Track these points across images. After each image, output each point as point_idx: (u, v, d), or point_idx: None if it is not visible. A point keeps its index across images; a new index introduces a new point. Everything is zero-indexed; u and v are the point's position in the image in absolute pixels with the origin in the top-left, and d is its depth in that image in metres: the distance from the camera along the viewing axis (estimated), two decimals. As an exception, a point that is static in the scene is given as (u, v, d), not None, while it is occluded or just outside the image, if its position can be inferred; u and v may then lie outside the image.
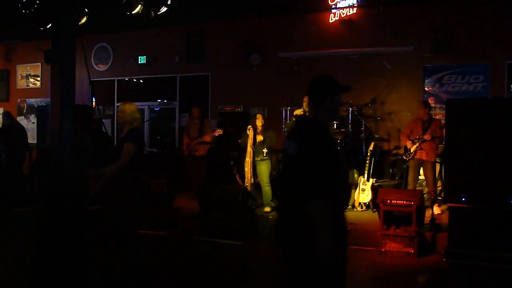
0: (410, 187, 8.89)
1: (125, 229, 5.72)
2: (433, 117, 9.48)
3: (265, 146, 9.24)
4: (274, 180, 9.49)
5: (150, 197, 8.22)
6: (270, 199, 9.23)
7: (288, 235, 3.42)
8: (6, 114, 11.83)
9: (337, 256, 3.35)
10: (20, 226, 8.64)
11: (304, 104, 8.71)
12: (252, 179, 9.34)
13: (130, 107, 5.96)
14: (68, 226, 4.86)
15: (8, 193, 10.51)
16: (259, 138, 9.24)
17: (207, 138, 10.27)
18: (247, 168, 9.30)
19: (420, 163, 8.89)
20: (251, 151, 9.23)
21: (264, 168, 9.31)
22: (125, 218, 5.72)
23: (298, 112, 8.70)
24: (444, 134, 8.69)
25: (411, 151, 8.86)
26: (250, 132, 9.26)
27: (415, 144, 8.83)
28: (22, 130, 11.85)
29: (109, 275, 5.77)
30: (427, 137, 8.71)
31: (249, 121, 9.67)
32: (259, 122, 9.32)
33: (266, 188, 9.29)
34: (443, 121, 9.18)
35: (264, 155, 9.27)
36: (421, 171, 9.09)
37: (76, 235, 4.93)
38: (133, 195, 5.71)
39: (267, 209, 9.09)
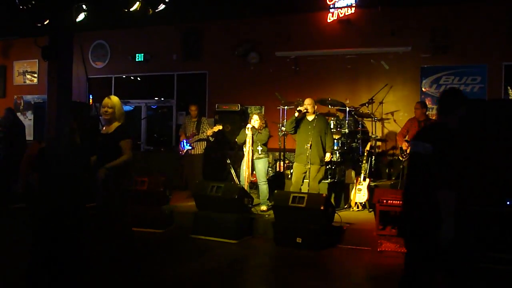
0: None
1: (116, 223, 5.77)
2: (430, 117, 9.49)
3: (258, 143, 9.22)
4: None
5: (133, 193, 8.29)
6: (267, 197, 9.22)
7: (415, 223, 4.07)
8: (10, 110, 11.82)
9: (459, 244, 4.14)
10: (18, 222, 8.62)
11: (309, 108, 8.73)
12: (250, 178, 9.31)
13: (119, 102, 5.95)
14: (66, 222, 4.85)
15: (7, 190, 10.52)
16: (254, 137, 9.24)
17: (209, 132, 10.24)
18: (246, 168, 9.27)
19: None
20: (250, 150, 9.20)
21: (261, 167, 9.28)
22: (115, 212, 5.77)
23: (303, 108, 8.67)
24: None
25: (407, 152, 8.87)
26: (249, 131, 9.21)
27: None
28: (22, 127, 11.84)
29: (104, 268, 5.79)
30: None
31: (246, 119, 9.62)
32: (257, 124, 9.26)
33: (263, 187, 9.28)
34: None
35: (259, 153, 9.25)
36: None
37: (74, 231, 4.92)
38: (120, 191, 5.77)
39: (263, 207, 9.08)
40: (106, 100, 5.90)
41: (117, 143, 5.75)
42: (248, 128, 9.18)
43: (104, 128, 5.97)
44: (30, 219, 6.60)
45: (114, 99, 5.93)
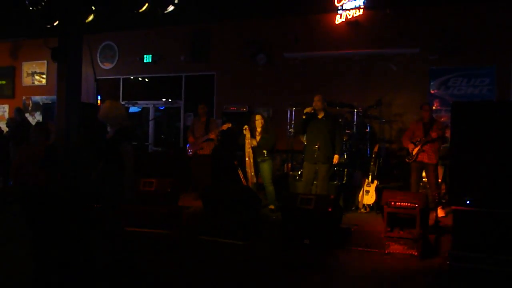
0: (412, 189, 8.87)
1: (114, 225, 5.80)
2: (435, 118, 9.45)
3: (264, 146, 9.25)
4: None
5: (136, 194, 8.31)
6: (274, 198, 9.22)
7: None
8: (18, 111, 11.87)
9: None
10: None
11: (318, 104, 8.67)
12: (255, 179, 9.33)
13: (112, 106, 5.94)
14: (69, 222, 4.88)
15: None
16: (254, 142, 9.23)
17: (212, 134, 10.27)
18: (248, 169, 9.29)
19: (422, 165, 8.87)
20: (250, 151, 9.22)
21: (266, 168, 9.30)
22: (113, 214, 5.80)
23: (308, 109, 8.61)
24: (446, 134, 8.70)
25: (413, 154, 8.84)
26: (246, 132, 9.23)
27: (417, 146, 8.80)
28: (31, 127, 11.89)
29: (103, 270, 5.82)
30: (434, 135, 8.64)
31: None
32: (258, 124, 9.29)
33: (270, 188, 9.28)
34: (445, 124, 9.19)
35: (265, 155, 9.26)
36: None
37: (78, 231, 4.94)
38: (119, 193, 5.80)
39: (272, 206, 9.10)
40: (108, 102, 5.90)
41: (117, 147, 5.77)
42: (245, 129, 9.20)
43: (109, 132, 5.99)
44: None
45: (115, 103, 5.96)
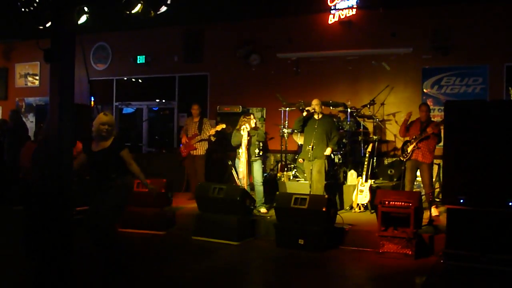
0: (406, 188, 8.91)
1: (108, 228, 5.84)
2: (431, 119, 9.47)
3: (256, 145, 9.25)
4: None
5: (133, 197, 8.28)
6: (263, 198, 9.19)
7: None
8: (15, 113, 11.81)
9: None
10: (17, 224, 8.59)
11: (317, 108, 8.90)
12: (247, 179, 9.31)
13: (113, 119, 6.11)
14: (57, 224, 4.87)
15: (10, 192, 10.51)
16: (249, 138, 9.25)
17: (212, 131, 10.25)
18: (243, 169, 9.24)
19: (417, 164, 8.89)
20: (246, 151, 9.20)
21: (257, 168, 9.30)
22: (108, 217, 5.84)
23: (310, 108, 8.90)
24: (440, 133, 8.73)
25: (408, 152, 8.87)
26: (244, 132, 9.18)
27: (412, 144, 8.84)
28: (26, 130, 11.85)
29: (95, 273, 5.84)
30: (429, 130, 8.66)
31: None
32: (252, 123, 9.28)
33: (259, 188, 9.25)
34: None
35: (257, 155, 9.27)
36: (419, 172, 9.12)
37: (64, 233, 4.94)
38: (116, 196, 5.88)
39: (263, 210, 9.07)
40: (104, 118, 5.96)
41: (118, 154, 5.96)
42: (243, 129, 9.16)
43: (99, 144, 6.01)
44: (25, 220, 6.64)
45: (111, 116, 6.10)
